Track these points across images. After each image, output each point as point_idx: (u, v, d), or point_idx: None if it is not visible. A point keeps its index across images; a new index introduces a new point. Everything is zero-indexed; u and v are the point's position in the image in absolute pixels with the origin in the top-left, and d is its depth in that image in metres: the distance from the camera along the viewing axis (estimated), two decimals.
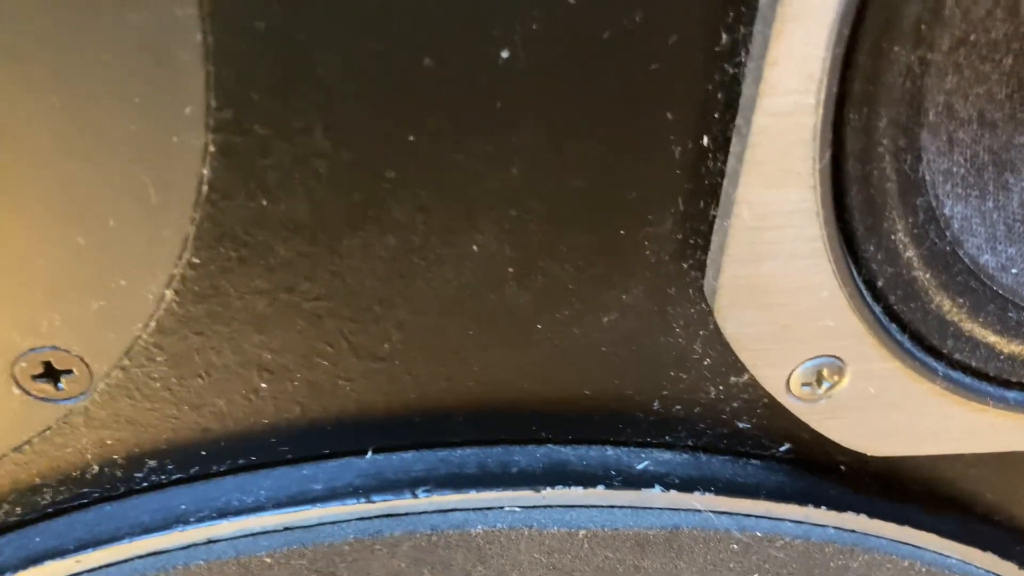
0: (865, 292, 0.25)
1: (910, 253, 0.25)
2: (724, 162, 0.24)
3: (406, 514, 0.27)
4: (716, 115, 0.23)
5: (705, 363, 0.28)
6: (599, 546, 0.28)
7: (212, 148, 0.23)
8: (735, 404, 0.29)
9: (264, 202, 0.23)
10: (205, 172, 0.23)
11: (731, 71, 0.23)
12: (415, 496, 0.27)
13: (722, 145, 0.24)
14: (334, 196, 0.23)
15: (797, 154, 0.22)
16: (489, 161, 0.23)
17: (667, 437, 0.29)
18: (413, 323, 0.26)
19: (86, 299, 0.25)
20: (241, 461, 0.28)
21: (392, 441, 0.28)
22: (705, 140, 0.23)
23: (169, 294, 0.25)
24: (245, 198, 0.23)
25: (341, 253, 0.24)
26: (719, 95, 0.23)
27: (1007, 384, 0.28)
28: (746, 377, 0.28)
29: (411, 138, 0.23)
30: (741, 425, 0.29)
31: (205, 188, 0.23)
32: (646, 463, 0.29)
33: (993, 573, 0.32)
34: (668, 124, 0.23)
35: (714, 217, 0.25)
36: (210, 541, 0.27)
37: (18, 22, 0.21)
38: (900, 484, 0.32)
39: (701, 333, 0.27)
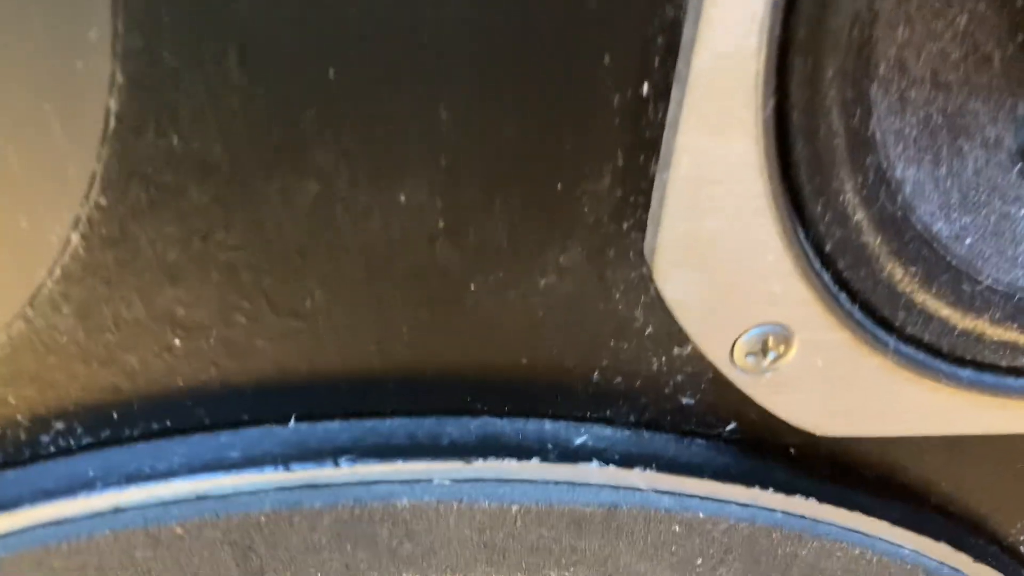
0: (813, 256, 0.24)
1: (859, 216, 0.24)
2: (665, 113, 0.23)
3: (327, 485, 0.26)
4: (657, 61, 0.22)
5: (647, 332, 0.26)
6: (533, 523, 0.27)
7: (120, 78, 0.21)
8: (679, 378, 0.27)
9: (175, 140, 0.22)
10: (112, 104, 0.21)
11: (671, 13, 0.21)
12: (337, 466, 0.26)
13: (663, 94, 0.22)
14: (250, 135, 0.22)
15: (739, 100, 0.21)
16: (417, 104, 0.22)
17: (608, 412, 0.28)
18: (336, 279, 0.24)
19: None
20: (155, 426, 0.27)
21: (317, 409, 0.27)
22: (645, 88, 0.22)
23: (75, 238, 0.23)
24: (155, 135, 0.22)
25: (258, 199, 0.23)
26: (659, 39, 0.22)
27: (961, 361, 0.27)
28: (689, 349, 0.27)
29: (332, 75, 0.21)
30: (685, 401, 0.28)
31: (113, 122, 0.22)
32: (585, 437, 0.27)
33: (946, 564, 0.31)
34: (605, 69, 0.22)
35: (655, 174, 0.24)
36: (117, 509, 0.26)
37: None
38: (852, 469, 0.30)
39: (642, 299, 0.26)
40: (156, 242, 0.23)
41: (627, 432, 0.28)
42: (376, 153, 0.23)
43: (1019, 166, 0.26)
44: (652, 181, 0.24)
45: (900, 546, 0.30)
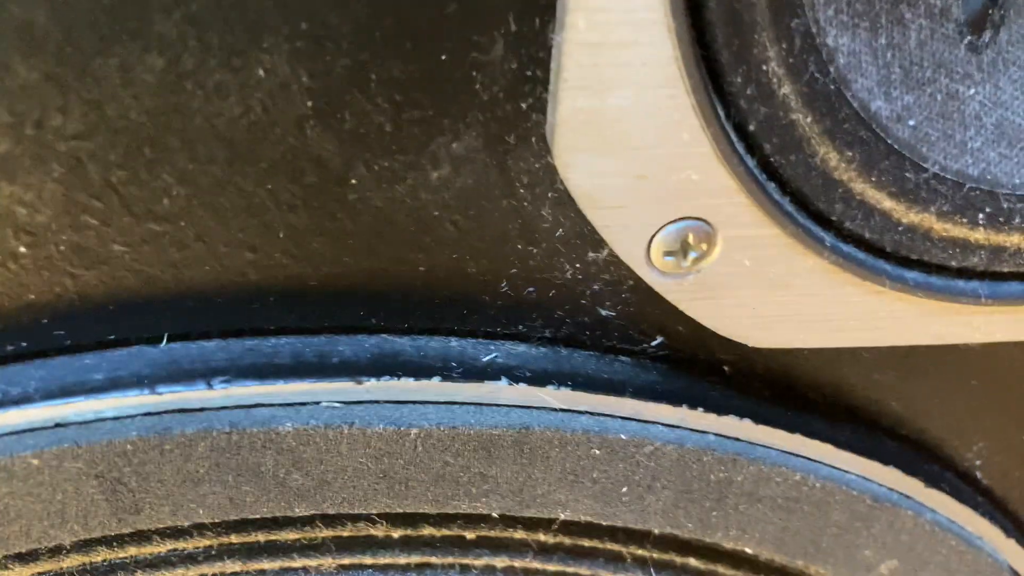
0: (735, 138, 0.22)
1: (786, 89, 0.21)
2: None
3: (200, 409, 0.23)
4: None
5: (557, 233, 0.24)
6: (435, 449, 0.24)
7: None
8: (596, 287, 0.25)
9: None
10: None
11: None
12: (210, 387, 0.23)
13: None
14: None
15: None
16: None
17: (520, 327, 0.25)
18: (196, 172, 0.21)
19: None
20: (8, 347, 0.24)
21: (192, 327, 0.24)
22: None
23: None
24: None
25: (96, 76, 0.20)
26: None
27: (907, 262, 0.24)
28: (606, 253, 0.24)
29: None
30: (604, 313, 0.25)
31: None
32: (494, 355, 0.25)
33: (896, 490, 0.28)
34: None
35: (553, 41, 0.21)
36: None
37: None
38: (794, 388, 0.28)
39: (550, 195, 0.23)
40: None
41: (542, 349, 0.25)
42: (226, 19, 0.19)
43: (968, 39, 0.23)
44: (551, 51, 0.21)
45: (846, 471, 0.28)
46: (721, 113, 0.21)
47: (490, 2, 0.20)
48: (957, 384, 0.29)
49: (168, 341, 0.24)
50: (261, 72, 0.20)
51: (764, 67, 0.21)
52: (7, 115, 0.20)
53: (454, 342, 0.25)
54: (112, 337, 0.24)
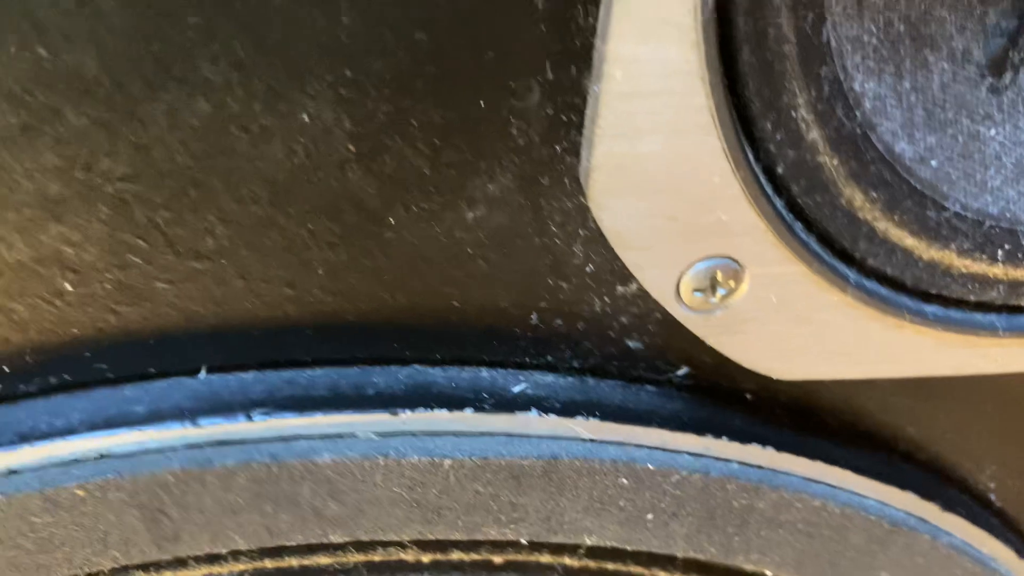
0: (764, 180, 0.22)
1: (814, 134, 0.22)
2: (596, 17, 0.20)
3: (241, 441, 0.24)
4: None
5: (588, 269, 0.24)
6: (468, 479, 0.25)
7: None
8: (624, 319, 0.25)
9: (43, 52, 0.20)
10: None
11: None
12: (250, 419, 0.24)
13: None
14: (127, 47, 0.20)
15: (676, 1, 0.19)
16: (313, 6, 0.20)
17: (549, 357, 0.26)
18: (239, 213, 0.22)
19: None
20: (52, 380, 0.24)
21: (231, 359, 0.25)
22: None
23: None
24: (18, 47, 0.19)
25: (144, 121, 0.21)
26: None
27: (926, 296, 0.25)
28: (634, 287, 0.25)
29: None
30: (632, 344, 0.26)
31: None
32: (524, 385, 0.25)
33: (913, 515, 0.29)
34: None
35: (589, 89, 0.21)
36: (11, 471, 0.24)
37: None
38: (814, 416, 0.29)
39: (581, 233, 0.24)
40: (34, 174, 0.21)
41: (570, 379, 0.26)
42: (272, 64, 0.20)
43: (989, 81, 0.24)
44: (586, 97, 0.21)
45: (864, 496, 0.28)
46: (751, 157, 0.22)
47: (527, 51, 0.20)
48: (971, 410, 0.30)
49: (206, 373, 0.25)
50: (305, 117, 0.21)
51: (793, 113, 0.21)
52: (57, 159, 0.21)
53: (485, 372, 0.26)
54: (152, 369, 0.25)
